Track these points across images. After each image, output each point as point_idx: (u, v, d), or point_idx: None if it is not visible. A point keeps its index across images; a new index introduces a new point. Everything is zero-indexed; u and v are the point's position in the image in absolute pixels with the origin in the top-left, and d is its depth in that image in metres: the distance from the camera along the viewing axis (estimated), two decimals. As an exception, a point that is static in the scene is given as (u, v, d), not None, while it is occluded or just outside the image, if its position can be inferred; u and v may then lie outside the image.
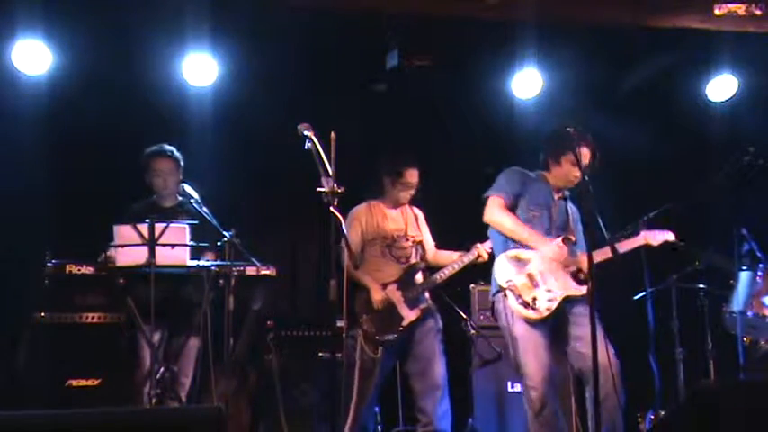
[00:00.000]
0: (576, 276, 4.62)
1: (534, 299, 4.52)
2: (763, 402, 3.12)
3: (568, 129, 4.52)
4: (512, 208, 4.70)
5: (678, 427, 3.29)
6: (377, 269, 5.23)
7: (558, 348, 4.61)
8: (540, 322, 4.53)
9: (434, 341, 5.21)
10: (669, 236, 4.84)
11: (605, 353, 4.35)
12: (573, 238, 4.62)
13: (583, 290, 4.56)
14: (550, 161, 4.77)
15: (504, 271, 4.61)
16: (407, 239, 5.36)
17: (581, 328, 4.41)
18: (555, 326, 4.58)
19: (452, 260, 5.31)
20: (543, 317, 4.50)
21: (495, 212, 4.68)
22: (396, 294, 5.19)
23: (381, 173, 5.33)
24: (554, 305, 4.52)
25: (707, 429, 3.07)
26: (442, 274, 5.27)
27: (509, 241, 4.68)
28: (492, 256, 4.95)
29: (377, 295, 5.15)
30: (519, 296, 4.52)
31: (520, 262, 4.60)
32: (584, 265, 4.43)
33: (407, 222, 5.41)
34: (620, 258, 4.47)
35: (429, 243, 5.48)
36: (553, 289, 4.54)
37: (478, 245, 5.26)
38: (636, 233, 4.80)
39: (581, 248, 4.64)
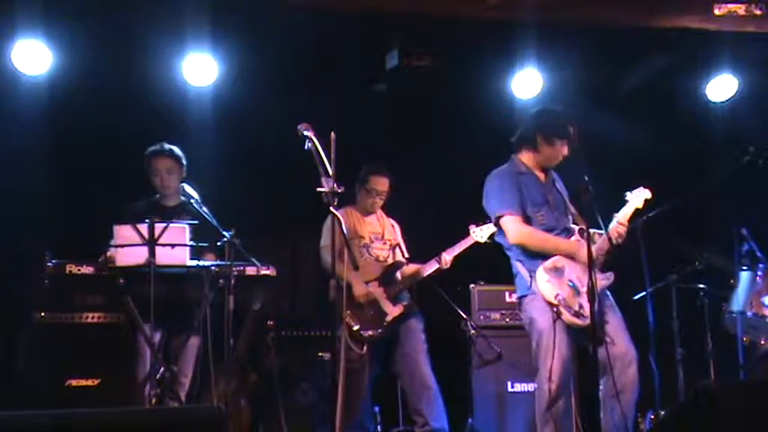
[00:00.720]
0: (600, 268, 4.60)
1: (581, 305, 4.48)
2: (763, 402, 3.12)
3: (561, 112, 4.63)
4: (526, 218, 4.65)
5: (678, 427, 3.29)
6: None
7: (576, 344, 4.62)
8: None
9: (419, 341, 5.27)
10: (646, 193, 4.79)
11: (626, 342, 4.46)
12: (585, 227, 4.57)
13: (610, 277, 4.61)
14: (541, 140, 4.71)
15: (548, 287, 4.52)
16: (385, 242, 5.45)
17: (607, 319, 4.46)
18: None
19: (419, 268, 5.38)
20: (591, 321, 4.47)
21: (519, 233, 4.62)
22: (378, 290, 5.27)
23: (356, 181, 5.42)
24: (595, 306, 4.50)
25: (707, 429, 3.07)
26: (416, 277, 5.36)
27: (533, 254, 4.63)
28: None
29: (359, 290, 5.20)
30: (570, 308, 4.48)
31: (558, 271, 4.55)
32: (601, 250, 4.56)
33: (384, 227, 5.55)
34: (615, 249, 4.48)
35: (403, 254, 5.53)
36: (588, 287, 4.51)
37: (443, 254, 5.33)
38: (624, 203, 4.76)
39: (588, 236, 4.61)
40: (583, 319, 4.46)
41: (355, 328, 5.15)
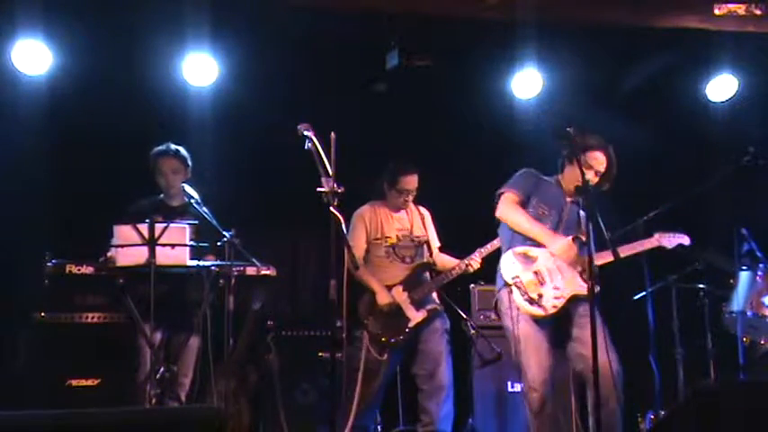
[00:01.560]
0: (583, 276, 4.57)
1: (540, 296, 4.50)
2: (763, 402, 3.12)
3: (579, 132, 4.54)
4: (523, 205, 4.69)
5: (678, 427, 3.29)
6: (382, 271, 5.23)
7: (560, 349, 4.61)
8: (544, 322, 4.51)
9: (441, 341, 5.21)
10: (684, 240, 4.82)
11: (605, 357, 4.34)
12: (583, 238, 4.56)
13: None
14: (565, 161, 4.75)
15: (510, 267, 4.59)
16: (412, 240, 5.38)
17: (583, 330, 4.37)
18: (558, 326, 4.57)
19: (449, 267, 5.32)
20: (548, 314, 4.49)
21: (508, 208, 4.67)
22: (402, 296, 5.20)
23: (382, 177, 5.36)
24: (560, 303, 4.50)
25: (707, 429, 3.07)
26: (443, 278, 5.30)
27: (516, 237, 4.66)
28: (497, 253, 4.95)
29: (383, 300, 5.16)
30: (525, 293, 4.50)
31: (528, 259, 4.58)
32: (599, 261, 4.49)
33: (413, 222, 5.42)
34: (619, 260, 4.45)
35: (433, 243, 5.49)
36: (560, 287, 4.52)
37: (472, 257, 5.25)
38: (649, 234, 4.78)
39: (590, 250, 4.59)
40: (536, 308, 4.48)
41: (377, 333, 5.13)
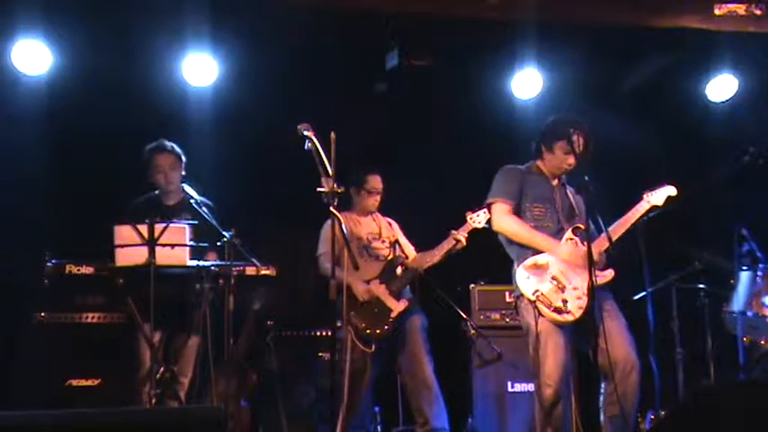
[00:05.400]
0: (598, 266, 4.54)
1: (565, 301, 4.46)
2: (763, 402, 3.12)
3: (562, 117, 4.61)
4: (516, 210, 4.68)
5: (678, 427, 3.29)
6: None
7: (573, 346, 4.61)
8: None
9: (421, 339, 5.27)
10: (671, 190, 4.77)
11: (627, 349, 4.41)
12: (582, 227, 4.54)
13: (606, 275, 4.56)
14: (543, 149, 4.75)
15: (527, 283, 4.53)
16: (383, 240, 5.47)
17: (603, 322, 4.38)
18: (576, 324, 4.54)
19: (432, 252, 5.34)
20: (577, 318, 4.45)
21: (503, 220, 4.66)
22: (380, 288, 5.27)
23: (347, 185, 5.40)
24: (584, 302, 4.44)
25: (707, 430, 3.07)
26: (413, 273, 5.34)
27: (521, 248, 4.64)
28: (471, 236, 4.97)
29: (358, 287, 5.20)
30: (550, 304, 4.46)
31: (539, 269, 4.55)
32: (600, 248, 4.50)
33: (381, 226, 5.56)
34: (613, 246, 4.45)
35: (409, 248, 5.58)
36: (578, 286, 4.49)
37: (453, 231, 5.29)
38: (638, 199, 4.74)
39: (593, 233, 4.60)
40: (565, 315, 4.45)
41: (362, 326, 5.15)
